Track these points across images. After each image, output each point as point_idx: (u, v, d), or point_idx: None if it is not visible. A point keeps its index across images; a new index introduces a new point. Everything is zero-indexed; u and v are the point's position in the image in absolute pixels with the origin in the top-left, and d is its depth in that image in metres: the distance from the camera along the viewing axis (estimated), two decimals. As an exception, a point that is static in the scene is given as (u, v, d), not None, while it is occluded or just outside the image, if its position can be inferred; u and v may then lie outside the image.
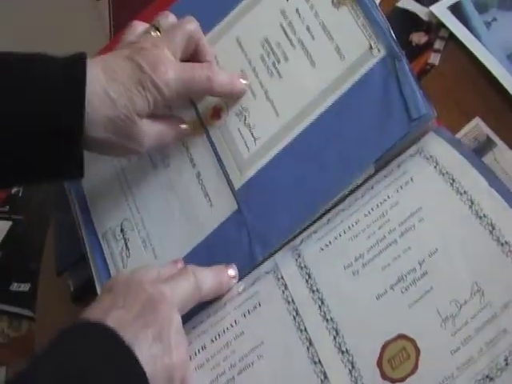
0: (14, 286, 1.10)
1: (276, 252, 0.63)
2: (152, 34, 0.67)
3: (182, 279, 0.59)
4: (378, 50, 0.63)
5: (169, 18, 0.68)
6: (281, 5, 0.69)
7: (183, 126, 0.69)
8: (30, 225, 1.13)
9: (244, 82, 0.68)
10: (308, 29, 0.67)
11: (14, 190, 1.18)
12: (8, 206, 1.18)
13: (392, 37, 0.62)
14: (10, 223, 1.16)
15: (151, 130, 0.65)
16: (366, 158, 0.61)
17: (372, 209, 0.60)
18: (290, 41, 0.67)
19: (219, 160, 0.68)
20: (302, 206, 0.62)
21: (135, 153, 0.66)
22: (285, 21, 0.68)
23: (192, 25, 0.67)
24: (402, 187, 0.60)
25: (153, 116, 0.65)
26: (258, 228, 0.64)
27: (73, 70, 0.60)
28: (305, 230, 0.62)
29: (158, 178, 0.71)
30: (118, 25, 0.98)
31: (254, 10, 0.71)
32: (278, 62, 0.68)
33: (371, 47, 0.63)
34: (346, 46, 0.64)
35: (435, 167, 0.59)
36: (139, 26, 0.69)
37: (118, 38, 0.71)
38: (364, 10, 0.64)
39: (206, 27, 0.71)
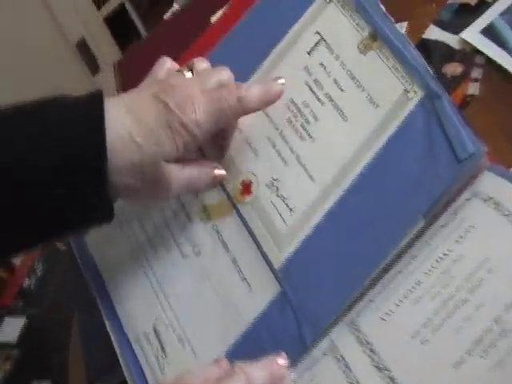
0: (35, 386, 1.06)
1: (329, 330, 0.59)
2: (185, 73, 0.65)
3: (232, 381, 0.55)
4: (415, 92, 0.60)
5: (204, 63, 0.67)
6: (303, 61, 0.67)
7: (217, 172, 0.66)
8: (49, 317, 1.10)
9: (280, 81, 0.65)
10: (335, 81, 0.65)
11: (25, 284, 1.16)
12: (21, 302, 1.15)
13: (429, 74, 0.60)
14: (23, 319, 1.13)
15: (181, 176, 0.62)
16: (414, 212, 0.57)
17: (433, 266, 0.56)
18: (318, 98, 0.65)
19: (254, 239, 0.65)
20: (352, 277, 0.59)
21: (164, 198, 0.64)
22: (310, 78, 0.66)
23: (227, 73, 0.65)
24: (462, 237, 0.56)
25: (183, 159, 0.62)
26: (306, 308, 0.60)
27: (90, 111, 0.58)
28: (359, 299, 0.59)
29: (189, 268, 0.68)
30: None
31: (276, 71, 0.69)
32: (308, 122, 0.65)
33: (406, 90, 0.61)
34: (378, 94, 0.62)
35: (497, 209, 0.55)
36: (170, 63, 0.67)
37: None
38: (393, 50, 0.62)
39: None
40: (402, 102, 0.61)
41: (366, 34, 0.64)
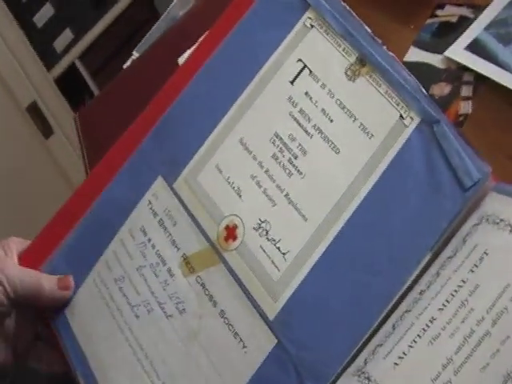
0: None
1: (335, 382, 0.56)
2: None
3: None
4: (411, 118, 0.58)
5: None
6: (286, 92, 0.65)
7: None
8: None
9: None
10: (323, 111, 0.62)
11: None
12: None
13: (424, 97, 0.58)
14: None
15: None
16: (420, 248, 0.55)
17: (447, 300, 0.54)
18: (305, 130, 0.63)
19: (244, 289, 0.62)
20: (356, 322, 0.56)
21: None
22: (294, 108, 0.64)
23: None
24: (476, 265, 0.54)
25: None
26: (307, 360, 0.57)
27: None
28: (364, 344, 0.56)
29: (175, 329, 0.64)
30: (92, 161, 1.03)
31: (256, 103, 0.66)
32: (295, 157, 0.63)
33: (402, 117, 0.59)
34: (372, 122, 0.60)
35: (511, 231, 0.53)
36: None
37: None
38: (385, 75, 0.60)
39: (204, 132, 0.68)
40: (397, 129, 0.59)
41: (353, 59, 0.62)
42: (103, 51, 2.25)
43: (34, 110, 2.23)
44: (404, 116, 0.58)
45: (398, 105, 0.59)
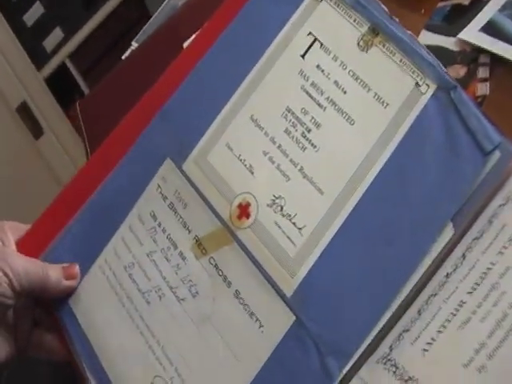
0: None
1: (356, 370, 0.55)
2: None
3: None
4: (427, 86, 0.57)
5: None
6: (297, 65, 0.64)
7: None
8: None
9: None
10: (336, 83, 0.62)
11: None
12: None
13: (439, 65, 0.58)
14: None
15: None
16: (441, 217, 0.54)
17: (477, 283, 0.52)
18: (318, 103, 0.62)
19: (259, 267, 0.61)
20: (377, 296, 0.55)
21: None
22: (306, 82, 0.63)
23: None
24: (506, 247, 0.52)
25: None
26: (327, 337, 0.56)
27: None
28: (388, 330, 0.55)
29: (187, 313, 0.63)
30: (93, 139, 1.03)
31: (266, 79, 0.66)
32: (309, 131, 0.62)
33: (418, 84, 0.58)
34: (387, 91, 0.59)
35: None
36: None
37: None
38: (398, 43, 0.59)
39: (213, 111, 0.67)
40: (413, 97, 0.58)
41: (365, 29, 0.61)
42: (93, 50, 2.24)
43: (24, 111, 2.22)
44: (420, 83, 0.58)
45: (413, 73, 0.58)
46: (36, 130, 2.22)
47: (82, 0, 2.18)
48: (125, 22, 2.16)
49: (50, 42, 2.21)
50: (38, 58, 2.21)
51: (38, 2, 2.16)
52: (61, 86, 2.25)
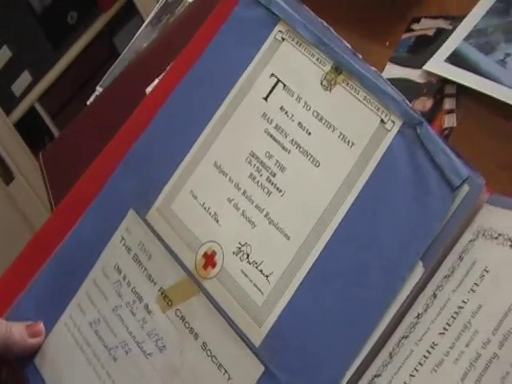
0: None
1: None
2: None
3: None
4: (393, 122, 0.58)
5: None
6: (260, 108, 0.65)
7: None
8: None
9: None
10: (300, 125, 0.62)
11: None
12: None
13: (404, 101, 0.58)
14: None
15: None
16: (410, 254, 0.55)
17: (448, 324, 0.52)
18: (282, 146, 0.63)
19: (226, 318, 0.61)
20: (347, 342, 0.55)
21: None
22: (270, 125, 0.64)
23: None
24: (477, 284, 0.52)
25: None
26: None
27: None
28: (360, 376, 0.54)
29: (156, 368, 0.63)
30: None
31: (229, 124, 0.66)
32: (274, 175, 0.62)
33: (383, 121, 0.58)
34: (352, 130, 0.60)
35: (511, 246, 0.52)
36: None
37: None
38: (363, 81, 0.60)
39: (176, 158, 0.67)
40: (379, 135, 0.59)
41: (328, 68, 0.62)
42: (63, 92, 2.26)
43: (-6, 156, 2.21)
44: (385, 120, 0.58)
45: (378, 110, 0.59)
46: (6, 176, 2.22)
47: (50, 40, 2.20)
48: (94, 62, 2.17)
49: (18, 86, 2.23)
50: (7, 102, 2.22)
51: (5, 46, 2.17)
52: (30, 130, 2.26)
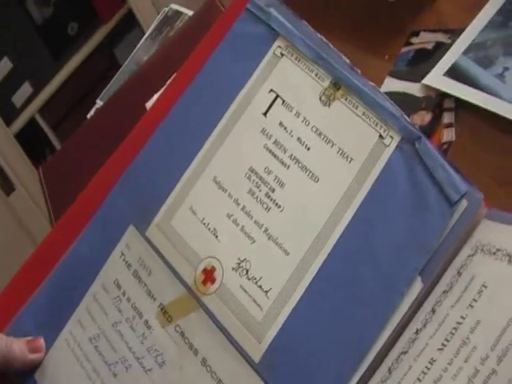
0: None
1: None
2: None
3: None
4: (391, 137, 0.58)
5: None
6: (259, 124, 0.65)
7: None
8: None
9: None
10: (300, 140, 0.63)
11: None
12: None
13: (403, 116, 0.59)
14: None
15: None
16: (409, 270, 0.55)
17: (446, 339, 0.52)
18: (282, 161, 0.63)
19: (226, 334, 0.61)
20: (347, 358, 0.55)
21: None
22: (269, 140, 0.64)
23: None
24: (475, 300, 0.52)
25: None
26: None
27: None
28: None
29: (155, 383, 0.63)
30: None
31: (228, 140, 0.66)
32: (273, 190, 0.63)
33: (382, 137, 0.59)
34: (350, 146, 0.60)
35: (510, 261, 0.52)
36: None
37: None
38: (361, 96, 0.61)
39: (176, 174, 0.67)
40: (377, 150, 0.59)
41: (326, 83, 0.63)
42: (63, 103, 2.27)
43: (-5, 167, 2.22)
44: (384, 135, 0.59)
45: (376, 125, 0.59)
46: (6, 187, 2.23)
47: (51, 51, 2.20)
48: (94, 74, 2.18)
49: (18, 97, 2.24)
50: (7, 113, 2.23)
51: (5, 58, 2.18)
52: (31, 141, 2.27)
